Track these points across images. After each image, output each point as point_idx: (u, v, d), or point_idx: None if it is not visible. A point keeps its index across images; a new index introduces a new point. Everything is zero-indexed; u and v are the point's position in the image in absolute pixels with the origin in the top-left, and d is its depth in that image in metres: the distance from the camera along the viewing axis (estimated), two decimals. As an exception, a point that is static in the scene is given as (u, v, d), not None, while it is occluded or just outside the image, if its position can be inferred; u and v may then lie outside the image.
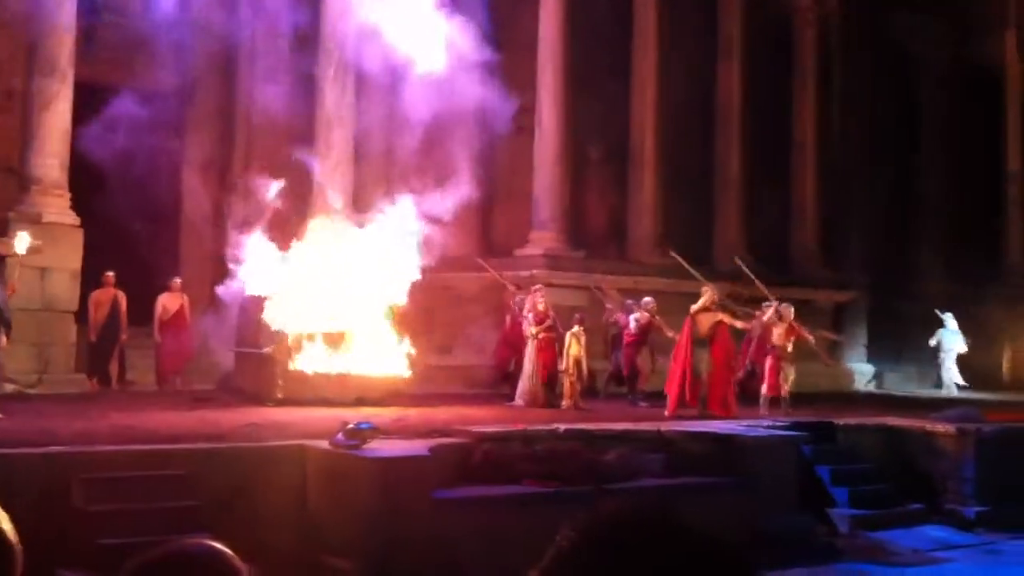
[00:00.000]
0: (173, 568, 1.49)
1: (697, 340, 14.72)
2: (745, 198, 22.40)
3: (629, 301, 17.50)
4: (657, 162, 21.05)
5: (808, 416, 14.36)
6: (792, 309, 15.97)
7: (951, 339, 20.88)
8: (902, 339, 21.01)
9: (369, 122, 18.64)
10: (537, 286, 16.18)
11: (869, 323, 23.41)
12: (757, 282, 16.88)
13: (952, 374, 20.80)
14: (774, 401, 15.28)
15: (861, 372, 23.06)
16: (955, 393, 20.22)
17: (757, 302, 16.92)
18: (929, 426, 13.65)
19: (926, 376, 22.98)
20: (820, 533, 11.89)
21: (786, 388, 15.36)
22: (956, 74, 26.04)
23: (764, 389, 15.50)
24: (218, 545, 1.53)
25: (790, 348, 15.60)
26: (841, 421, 13.79)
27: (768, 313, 15.91)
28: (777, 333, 15.60)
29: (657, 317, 16.07)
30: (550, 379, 15.10)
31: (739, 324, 15.10)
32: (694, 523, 1.12)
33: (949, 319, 20.93)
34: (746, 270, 17.23)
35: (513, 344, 16.38)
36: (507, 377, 16.49)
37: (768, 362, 15.45)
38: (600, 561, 1.07)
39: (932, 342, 21.03)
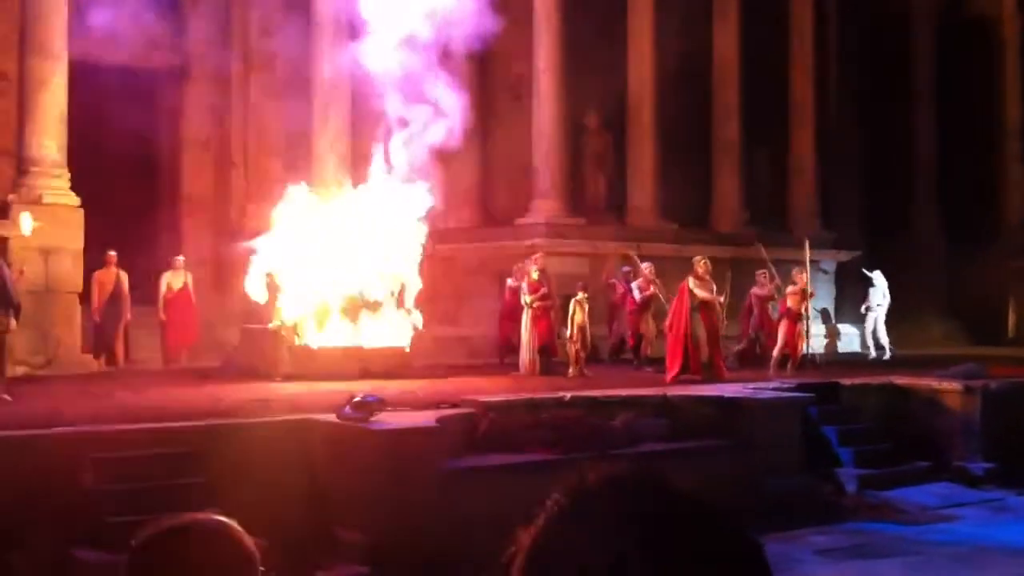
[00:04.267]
0: (182, 540, 1.50)
1: (697, 307, 14.76)
2: (743, 160, 22.34)
3: (626, 268, 17.53)
4: (655, 128, 20.98)
5: (814, 377, 14.40)
6: (805, 274, 16.10)
7: (879, 298, 19.75)
8: (901, 297, 20.86)
9: (367, 92, 18.57)
10: (536, 255, 16.17)
11: (869, 283, 23.38)
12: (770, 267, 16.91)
13: (881, 335, 19.75)
14: (783, 361, 15.42)
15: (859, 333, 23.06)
16: (886, 356, 19.31)
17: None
18: (935, 383, 13.67)
19: (925, 333, 22.94)
20: (827, 493, 11.94)
21: (801, 350, 15.58)
22: (951, 29, 25.86)
23: (776, 351, 15.64)
24: (226, 519, 1.54)
25: (804, 311, 15.79)
26: (847, 381, 13.82)
27: (773, 284, 16.14)
28: (792, 297, 15.80)
29: (657, 281, 16.10)
30: (545, 348, 15.13)
31: (721, 300, 15.05)
32: (692, 486, 1.12)
33: (878, 277, 19.90)
34: (764, 255, 17.10)
35: (514, 315, 16.43)
36: (513, 348, 16.54)
37: (784, 325, 15.61)
38: (587, 524, 1.07)
39: (863, 307, 20.02)
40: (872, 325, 19.87)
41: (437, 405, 10.89)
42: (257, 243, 15.07)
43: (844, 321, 22.74)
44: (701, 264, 14.87)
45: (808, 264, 16.53)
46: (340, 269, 14.79)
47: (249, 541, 1.52)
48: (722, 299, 15.00)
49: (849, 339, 22.35)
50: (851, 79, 24.88)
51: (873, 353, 19.65)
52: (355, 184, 16.63)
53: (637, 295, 16.13)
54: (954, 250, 24.87)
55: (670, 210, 20.96)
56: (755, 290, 17.20)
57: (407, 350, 14.73)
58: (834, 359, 19.01)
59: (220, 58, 19.25)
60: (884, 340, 19.76)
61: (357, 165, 18.23)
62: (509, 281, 16.77)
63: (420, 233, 15.40)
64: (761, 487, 10.74)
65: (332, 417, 9.70)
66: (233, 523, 1.53)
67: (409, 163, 15.50)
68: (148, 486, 8.42)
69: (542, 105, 19.86)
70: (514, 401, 11.32)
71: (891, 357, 19.17)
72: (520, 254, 17.43)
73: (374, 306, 14.93)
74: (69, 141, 15.64)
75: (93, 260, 15.64)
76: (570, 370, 14.77)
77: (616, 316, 17.47)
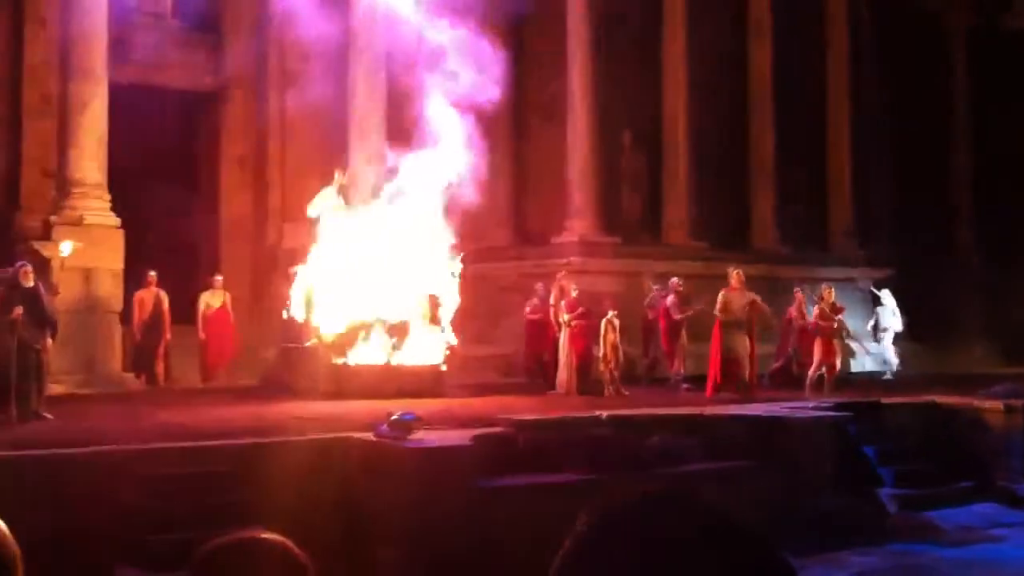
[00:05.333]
0: (242, 555, 1.53)
1: (734, 322, 14.68)
2: (779, 179, 22.25)
3: (656, 287, 17.46)
4: (689, 145, 20.95)
5: (852, 396, 14.26)
6: (832, 290, 15.97)
7: (888, 318, 19.44)
8: (939, 315, 20.56)
9: (401, 113, 18.69)
10: (560, 274, 16.20)
11: (905, 300, 23.13)
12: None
13: (890, 354, 19.40)
14: (819, 382, 15.27)
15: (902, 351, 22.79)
16: (892, 371, 18.96)
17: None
18: (976, 402, 13.51)
19: (964, 353, 22.62)
20: (867, 514, 11.80)
21: (835, 369, 15.43)
22: (989, 43, 25.64)
23: (811, 370, 15.50)
24: (282, 537, 1.57)
25: (835, 328, 15.66)
26: (886, 400, 13.67)
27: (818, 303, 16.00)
28: (824, 312, 15.67)
29: (672, 296, 15.97)
30: (583, 367, 15.10)
31: (767, 308, 15.01)
32: (729, 506, 1.13)
33: (886, 296, 19.57)
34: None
35: (541, 333, 16.42)
36: (542, 366, 16.53)
37: (818, 344, 15.49)
38: (615, 545, 1.08)
39: (870, 324, 19.66)
40: (886, 343, 19.54)
41: (473, 424, 10.90)
42: (296, 262, 15.18)
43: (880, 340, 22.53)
44: (735, 275, 14.80)
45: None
46: (376, 288, 14.86)
47: (304, 559, 1.55)
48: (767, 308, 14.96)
49: (864, 358, 21.97)
50: (885, 92, 24.71)
51: (889, 375, 19.18)
52: (391, 202, 16.72)
53: (676, 314, 16.05)
54: (992, 267, 24.57)
55: (704, 228, 20.89)
56: (792, 308, 17.07)
57: (442, 369, 14.76)
58: (846, 377, 18.57)
59: (257, 79, 19.46)
60: (893, 359, 19.42)
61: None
62: (535, 301, 16.78)
63: (454, 251, 15.46)
64: (800, 508, 10.64)
65: (369, 435, 9.74)
66: (289, 541, 1.56)
67: (444, 181, 15.57)
68: (188, 504, 8.49)
69: (576, 123, 19.89)
70: (548, 420, 11.31)
71: (894, 377, 18.74)
72: (553, 273, 17.44)
73: (409, 325, 14.98)
74: (110, 162, 15.86)
75: (133, 280, 15.83)
76: (605, 389, 14.73)
77: (651, 335, 17.41)
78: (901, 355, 20.72)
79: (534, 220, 21.27)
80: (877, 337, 19.67)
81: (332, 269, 15.01)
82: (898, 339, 20.06)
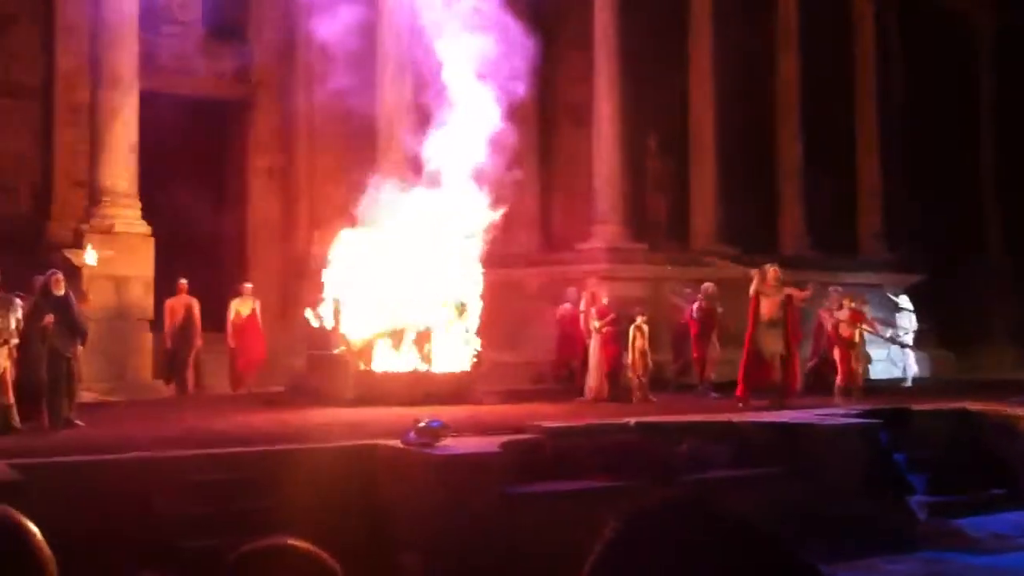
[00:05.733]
0: (274, 561, 1.54)
1: (767, 323, 14.48)
2: (807, 184, 22.14)
3: (687, 290, 17.39)
4: (716, 150, 20.89)
5: (883, 403, 14.15)
6: (860, 296, 15.84)
7: (906, 322, 18.95)
8: (968, 320, 20.33)
9: (428, 118, 18.76)
10: (593, 279, 16.19)
11: (933, 304, 22.89)
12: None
13: (910, 360, 18.94)
14: (847, 390, 15.13)
15: (932, 357, 22.59)
16: (912, 378, 18.52)
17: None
18: (1008, 409, 13.37)
19: (995, 358, 22.39)
20: (898, 521, 11.70)
21: (859, 376, 15.25)
22: (1015, 43, 25.39)
23: (838, 379, 15.36)
24: (312, 545, 1.57)
25: (857, 336, 15.46)
26: (917, 407, 13.56)
27: (834, 304, 15.84)
28: (843, 322, 15.48)
29: (716, 304, 15.93)
30: (613, 373, 15.06)
31: (802, 294, 14.77)
32: (758, 513, 1.13)
33: (904, 301, 19.13)
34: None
35: (571, 339, 16.39)
36: (570, 373, 16.51)
37: (837, 352, 15.33)
38: (644, 551, 1.09)
39: (887, 332, 18.80)
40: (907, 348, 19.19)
41: (500, 430, 10.89)
42: (323, 269, 15.25)
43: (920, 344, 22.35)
44: (771, 271, 14.54)
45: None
46: (403, 294, 14.90)
47: (334, 566, 1.56)
48: (802, 294, 14.71)
49: (885, 365, 21.69)
50: (911, 92, 24.52)
51: (909, 382, 18.77)
52: (417, 207, 16.77)
53: (696, 314, 15.99)
54: (1022, 269, 24.30)
55: (732, 233, 20.82)
56: (823, 312, 16.93)
57: (469, 375, 14.78)
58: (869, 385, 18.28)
59: (285, 87, 19.59)
60: (912, 366, 19.06)
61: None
62: (566, 305, 16.76)
63: (480, 258, 15.48)
64: (829, 515, 10.56)
65: (396, 442, 9.76)
66: (319, 549, 1.57)
67: (470, 188, 15.60)
68: (216, 510, 8.54)
69: (602, 129, 19.88)
70: (576, 427, 11.29)
71: (912, 384, 18.37)
72: (580, 279, 17.44)
73: (436, 332, 15.01)
74: (140, 171, 16.00)
75: (162, 288, 15.94)
76: (634, 395, 14.70)
77: (681, 340, 17.34)
78: (931, 361, 20.56)
79: (560, 225, 21.27)
80: (899, 342, 19.36)
81: (359, 276, 15.06)
82: (921, 344, 19.86)
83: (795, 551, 1.11)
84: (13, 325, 10.89)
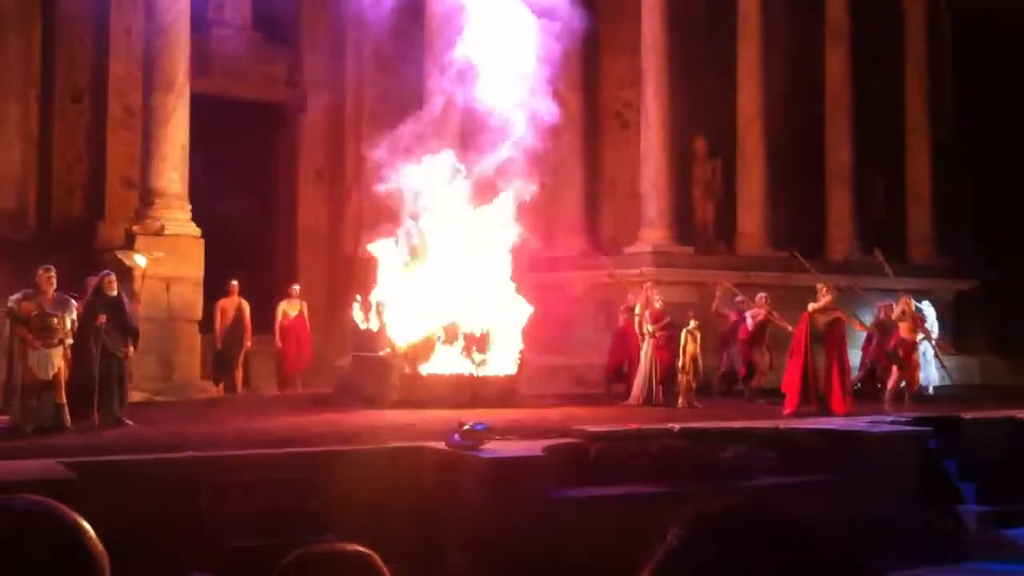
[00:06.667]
0: (327, 565, 1.55)
1: (817, 337, 14.44)
2: (857, 187, 21.90)
3: (739, 298, 17.26)
4: (764, 153, 20.72)
5: (933, 410, 13.97)
6: (914, 302, 15.67)
7: (932, 328, 18.07)
8: (1021, 327, 19.93)
9: (476, 124, 18.81)
10: (648, 283, 16.11)
11: (987, 311, 22.49)
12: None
13: (932, 367, 18.08)
14: (898, 396, 14.97)
15: (983, 363, 22.25)
16: (930, 391, 17.65)
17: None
18: (1061, 418, 13.13)
19: None
20: (947, 530, 11.55)
21: (917, 381, 15.13)
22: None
23: (890, 383, 15.21)
24: (368, 550, 1.59)
25: (918, 341, 15.34)
26: (968, 415, 13.36)
27: (896, 311, 15.62)
28: (904, 327, 15.34)
29: (774, 312, 15.84)
30: (667, 378, 14.99)
31: (856, 325, 14.79)
32: (808, 520, 1.12)
33: (927, 307, 18.33)
34: (887, 268, 16.58)
35: (625, 343, 16.31)
36: (620, 376, 16.44)
37: (899, 355, 15.20)
38: (712, 558, 1.08)
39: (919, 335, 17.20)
40: (930, 356, 18.15)
41: (545, 434, 10.89)
42: (370, 271, 15.35)
43: (963, 354, 21.99)
44: (824, 290, 14.57)
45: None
46: (449, 297, 14.95)
47: (388, 573, 1.57)
48: (856, 325, 14.71)
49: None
50: (963, 92, 24.13)
51: (931, 390, 18.02)
52: (464, 210, 16.82)
53: (750, 323, 15.90)
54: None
55: (780, 237, 20.64)
56: (875, 320, 16.77)
57: (514, 378, 14.79)
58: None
59: (334, 91, 19.74)
60: (934, 373, 18.37)
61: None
62: (636, 309, 16.64)
63: (526, 260, 15.49)
64: (878, 522, 10.44)
65: (441, 445, 9.79)
66: (374, 554, 1.58)
67: (516, 190, 15.62)
68: (264, 510, 8.62)
69: (650, 132, 19.81)
70: (621, 431, 11.26)
71: (934, 393, 17.81)
72: (628, 283, 17.35)
73: (482, 334, 15.03)
74: (191, 173, 16.19)
75: (211, 289, 16.12)
76: (679, 401, 14.63)
77: (727, 346, 17.21)
78: (981, 368, 20.22)
79: (606, 228, 21.22)
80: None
81: (406, 278, 15.14)
82: (978, 352, 19.54)
83: (860, 556, 1.10)
84: (69, 325, 11.07)
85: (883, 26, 22.49)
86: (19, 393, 10.88)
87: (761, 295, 16.18)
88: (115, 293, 11.68)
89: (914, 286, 18.27)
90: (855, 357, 16.74)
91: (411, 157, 16.33)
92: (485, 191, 15.89)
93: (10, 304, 11.06)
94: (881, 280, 17.31)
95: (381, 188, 15.62)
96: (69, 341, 11.10)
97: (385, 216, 16.15)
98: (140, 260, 13.56)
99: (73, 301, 11.32)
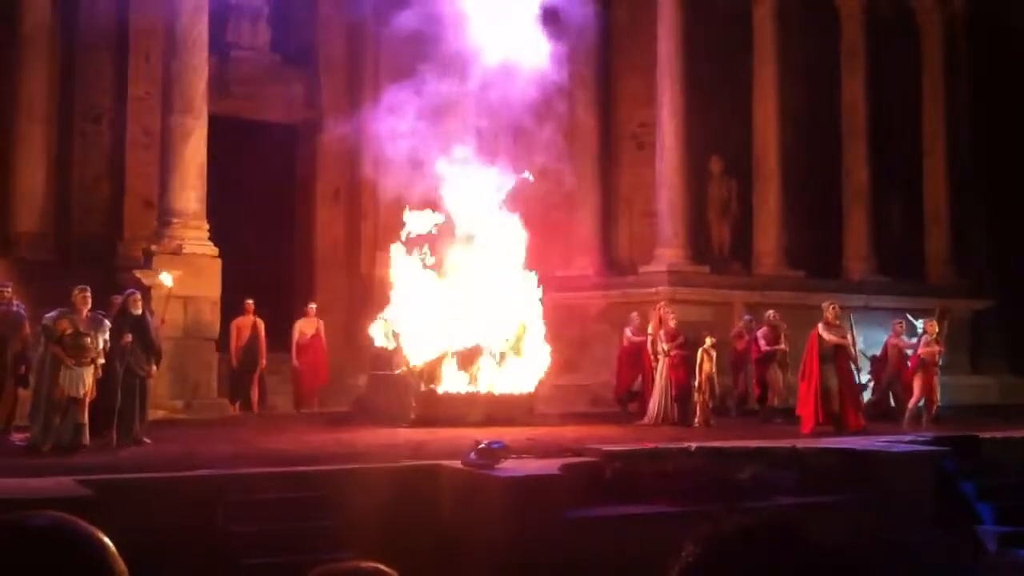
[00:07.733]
0: None
1: (827, 357, 14.41)
2: (874, 207, 21.84)
3: (747, 317, 17.24)
4: (780, 172, 20.70)
5: (950, 430, 13.89)
6: (935, 322, 15.60)
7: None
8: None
9: (491, 144, 18.87)
10: (661, 302, 16.11)
11: (1006, 332, 22.35)
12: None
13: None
14: (918, 414, 14.92)
15: (1002, 384, 22.10)
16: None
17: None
18: (1080, 439, 13.02)
19: None
20: (965, 551, 11.45)
21: (937, 401, 15.04)
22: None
23: (911, 402, 15.16)
24: (386, 568, 1.59)
25: (938, 360, 15.27)
26: (986, 435, 13.28)
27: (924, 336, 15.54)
28: (925, 347, 15.29)
29: (782, 326, 15.80)
30: (681, 397, 14.96)
31: (852, 352, 14.73)
32: (824, 539, 1.13)
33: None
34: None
35: (634, 362, 16.30)
36: (631, 396, 16.41)
37: (920, 376, 15.12)
38: (723, 574, 1.09)
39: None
40: None
41: (561, 453, 10.88)
42: (386, 290, 15.38)
43: (982, 374, 21.88)
44: (831, 310, 14.54)
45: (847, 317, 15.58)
46: (465, 316, 14.97)
47: None
48: (855, 344, 14.65)
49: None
50: (979, 109, 24.04)
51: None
52: (479, 230, 16.87)
53: (763, 343, 15.86)
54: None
55: (796, 257, 20.60)
56: (890, 339, 16.69)
57: (530, 397, 14.79)
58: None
59: (351, 112, 19.83)
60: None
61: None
62: (627, 331, 16.71)
63: (541, 280, 15.50)
64: (895, 544, 10.38)
65: (457, 463, 9.80)
66: (394, 573, 1.58)
67: (532, 210, 15.66)
68: (281, 529, 8.63)
69: (665, 152, 19.82)
70: (637, 451, 11.24)
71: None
72: (642, 302, 17.35)
73: (497, 354, 15.04)
74: (208, 193, 16.29)
75: (228, 308, 16.19)
76: (696, 419, 14.59)
77: (741, 366, 17.18)
78: (1000, 388, 20.05)
79: (622, 248, 21.22)
80: None
81: (422, 297, 15.17)
82: (997, 372, 19.36)
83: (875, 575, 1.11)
84: (101, 345, 11.12)
85: (900, 49, 22.48)
86: (43, 410, 10.93)
87: (770, 312, 16.14)
88: (140, 312, 11.76)
89: (932, 305, 18.16)
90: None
91: (427, 176, 16.42)
92: (502, 211, 15.93)
93: (45, 322, 11.13)
94: (898, 299, 17.22)
95: (397, 208, 15.67)
96: (101, 361, 11.14)
97: (401, 234, 16.20)
98: (166, 279, 13.62)
99: (107, 321, 11.36)
